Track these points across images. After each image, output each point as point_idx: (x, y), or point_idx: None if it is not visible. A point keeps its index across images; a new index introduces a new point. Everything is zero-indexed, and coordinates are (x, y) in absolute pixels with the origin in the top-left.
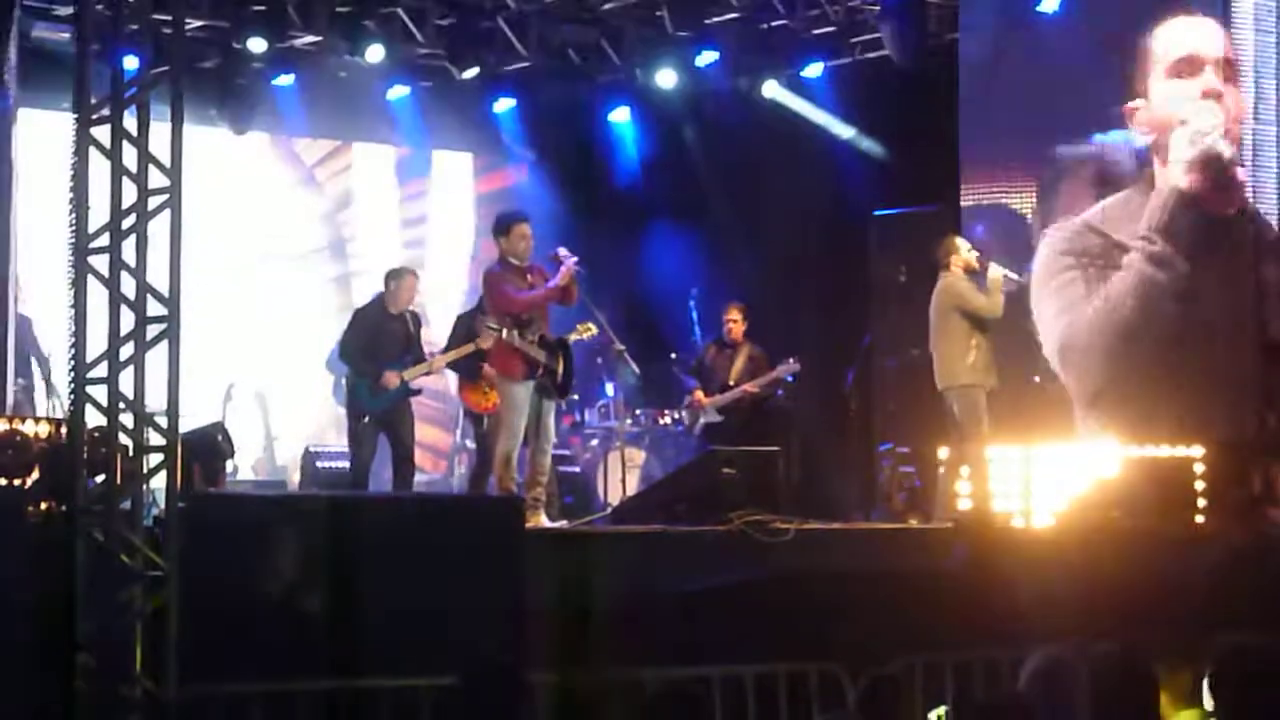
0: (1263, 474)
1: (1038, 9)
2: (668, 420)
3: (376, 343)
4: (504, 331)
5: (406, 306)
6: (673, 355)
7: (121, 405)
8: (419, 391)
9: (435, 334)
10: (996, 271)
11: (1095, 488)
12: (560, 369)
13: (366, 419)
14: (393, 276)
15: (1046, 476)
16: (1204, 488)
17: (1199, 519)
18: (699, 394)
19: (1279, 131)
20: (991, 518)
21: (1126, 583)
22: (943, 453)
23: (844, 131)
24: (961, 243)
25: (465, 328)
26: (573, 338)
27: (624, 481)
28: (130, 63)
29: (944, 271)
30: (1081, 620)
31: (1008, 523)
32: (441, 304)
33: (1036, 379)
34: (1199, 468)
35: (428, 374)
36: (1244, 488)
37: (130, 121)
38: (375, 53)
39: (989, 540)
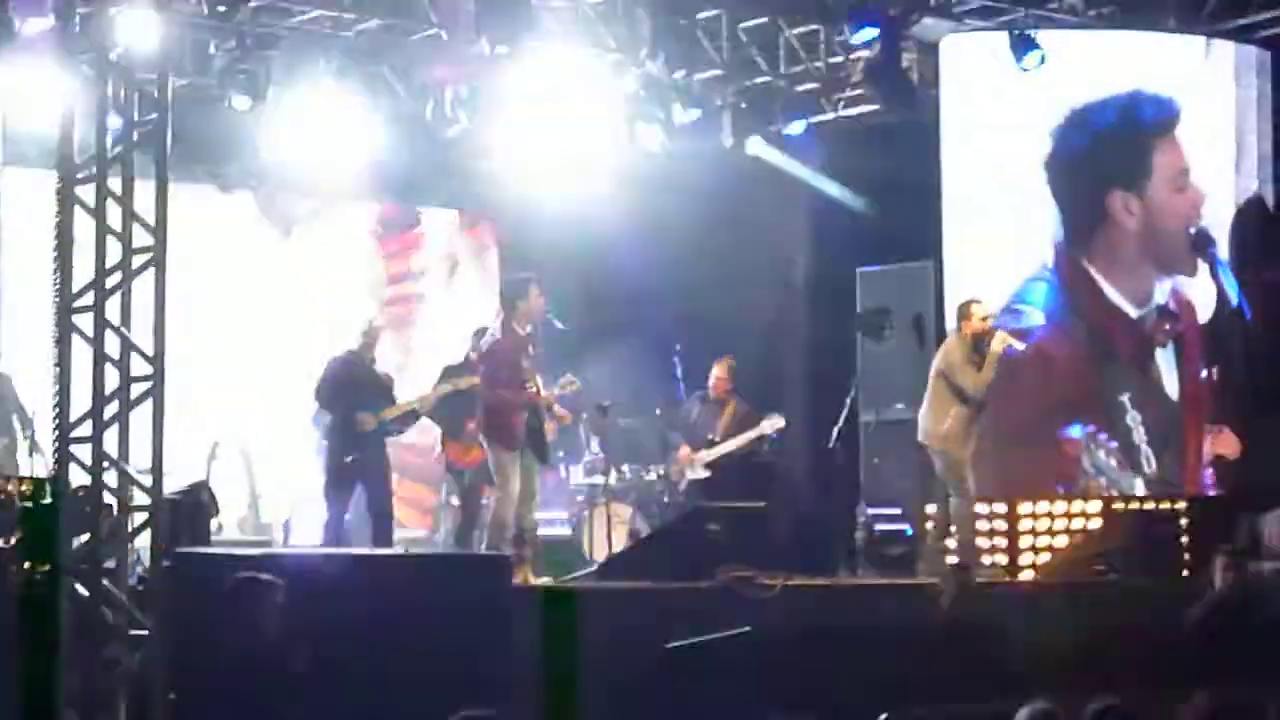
0: (1248, 527)
1: (1021, 66)
2: (653, 476)
3: (356, 386)
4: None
5: (373, 351)
6: (657, 411)
7: (106, 464)
8: (400, 431)
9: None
10: (998, 345)
11: (1080, 541)
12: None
13: (350, 459)
14: (364, 328)
15: (1031, 531)
16: (1188, 541)
17: (1184, 572)
18: (685, 450)
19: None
20: (977, 573)
21: (1112, 635)
22: (929, 509)
23: (828, 188)
24: (978, 308)
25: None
26: (556, 392)
27: (610, 538)
28: (114, 121)
29: (954, 333)
30: (1068, 674)
31: (993, 577)
32: (424, 359)
33: None
34: (1184, 521)
35: (415, 416)
36: (1229, 540)
37: (114, 180)
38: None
39: (975, 595)
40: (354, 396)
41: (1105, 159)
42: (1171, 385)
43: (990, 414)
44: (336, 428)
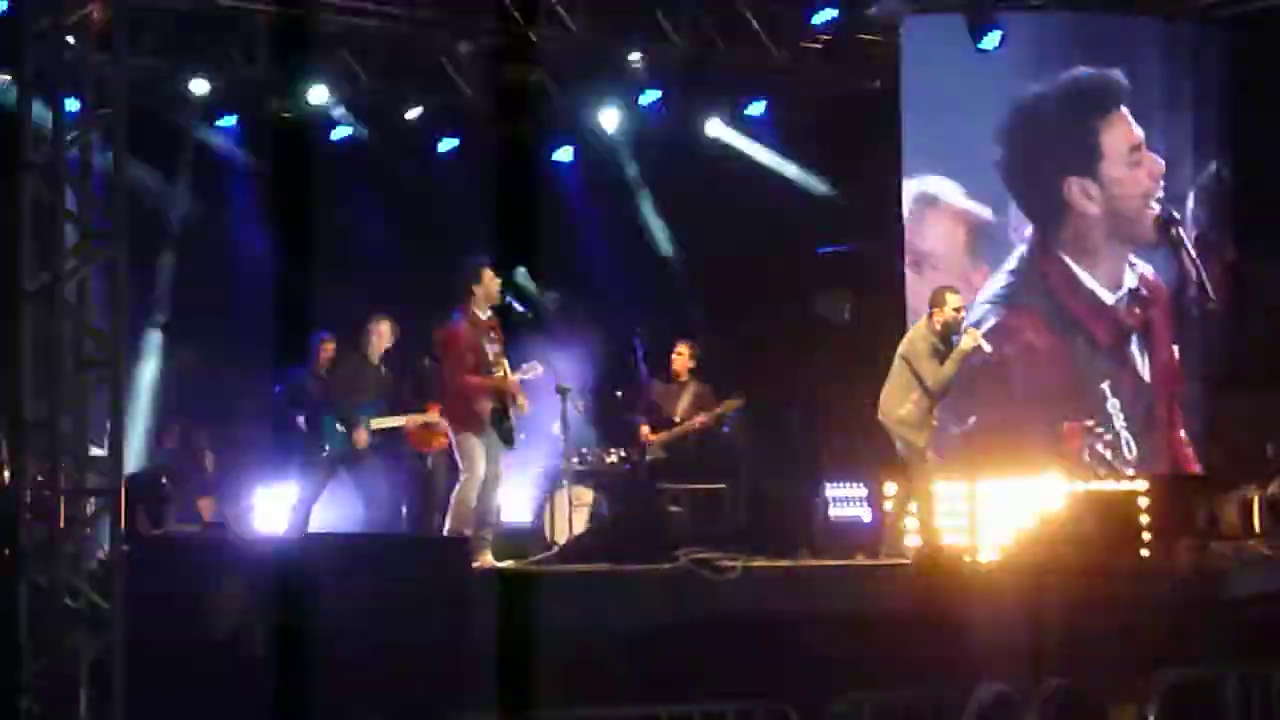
0: (1207, 508)
1: (980, 47)
2: (614, 458)
3: (358, 390)
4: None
5: (381, 353)
6: (617, 393)
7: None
8: (380, 443)
9: None
10: (967, 342)
11: (1041, 523)
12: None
13: (337, 461)
14: (368, 324)
15: (993, 512)
16: (1149, 521)
17: (1144, 553)
18: (645, 431)
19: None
20: (939, 554)
21: (1073, 617)
22: (889, 489)
23: (787, 168)
24: (953, 297)
25: (418, 377)
26: (518, 377)
27: (570, 520)
28: (71, 105)
29: (925, 318)
30: (1029, 655)
31: (955, 559)
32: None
33: None
34: (1143, 501)
35: (395, 428)
36: (1189, 521)
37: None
38: (318, 94)
39: (937, 577)
40: (356, 399)
41: (1053, 150)
42: (1145, 368)
43: (978, 403)
44: (326, 424)
